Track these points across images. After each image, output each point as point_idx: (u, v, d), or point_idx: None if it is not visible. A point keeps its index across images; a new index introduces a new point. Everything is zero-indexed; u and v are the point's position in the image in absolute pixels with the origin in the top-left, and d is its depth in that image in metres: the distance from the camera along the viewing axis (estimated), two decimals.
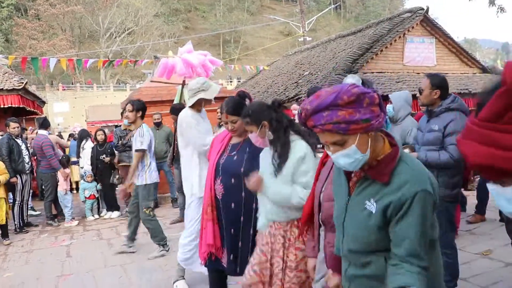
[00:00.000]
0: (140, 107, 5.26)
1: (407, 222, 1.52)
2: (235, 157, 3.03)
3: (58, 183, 7.78)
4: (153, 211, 5.41)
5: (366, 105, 1.49)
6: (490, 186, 1.15)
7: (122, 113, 8.16)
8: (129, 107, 5.27)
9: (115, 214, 8.20)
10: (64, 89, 40.76)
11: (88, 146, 8.60)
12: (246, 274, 2.72)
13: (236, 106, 3.02)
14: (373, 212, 1.58)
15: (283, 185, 2.58)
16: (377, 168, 1.58)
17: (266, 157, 2.73)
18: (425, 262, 1.54)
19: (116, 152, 8.24)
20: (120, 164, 8.18)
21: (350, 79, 1.69)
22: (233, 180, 3.01)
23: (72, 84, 43.44)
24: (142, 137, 5.16)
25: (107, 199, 8.39)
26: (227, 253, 3.11)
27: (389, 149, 1.61)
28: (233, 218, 3.03)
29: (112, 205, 8.33)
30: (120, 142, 8.01)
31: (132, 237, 5.68)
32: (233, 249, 3.07)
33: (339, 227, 1.79)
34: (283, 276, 2.59)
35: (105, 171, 8.18)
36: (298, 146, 2.58)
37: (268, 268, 2.64)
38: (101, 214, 8.30)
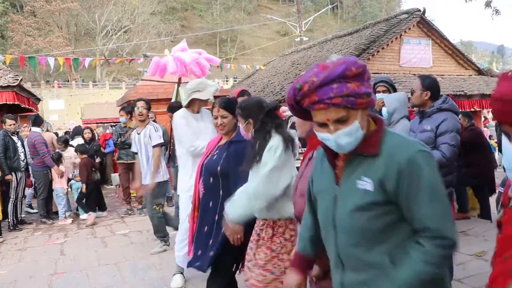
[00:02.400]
0: (150, 106, 5.45)
1: (416, 193, 1.39)
2: (215, 157, 3.08)
3: (54, 181, 7.74)
4: (163, 208, 5.40)
5: (367, 79, 1.44)
6: (506, 144, 1.12)
7: (123, 109, 8.12)
8: (143, 104, 5.31)
9: (101, 213, 8.07)
10: (60, 87, 40.60)
11: (76, 143, 8.54)
12: (246, 272, 2.77)
13: (230, 103, 3.10)
14: (370, 189, 1.44)
15: (237, 200, 2.67)
16: (364, 142, 1.47)
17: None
18: (449, 239, 1.38)
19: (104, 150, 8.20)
20: (119, 162, 8.15)
21: (335, 58, 1.68)
22: (211, 179, 3.05)
23: (68, 81, 43.28)
24: (159, 131, 5.25)
25: (91, 200, 8.16)
26: (194, 249, 3.14)
27: (374, 126, 1.53)
28: (209, 217, 3.06)
29: (99, 205, 8.17)
30: (118, 139, 7.97)
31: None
32: (202, 245, 3.08)
33: (327, 226, 1.60)
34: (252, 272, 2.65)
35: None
36: (270, 142, 2.63)
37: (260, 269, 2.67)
38: (81, 217, 8.02)
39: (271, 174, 2.54)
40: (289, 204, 2.59)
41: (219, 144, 3.19)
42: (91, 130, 8.57)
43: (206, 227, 3.08)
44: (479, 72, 13.40)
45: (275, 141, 2.62)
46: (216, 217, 3.01)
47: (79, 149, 7.94)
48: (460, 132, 3.67)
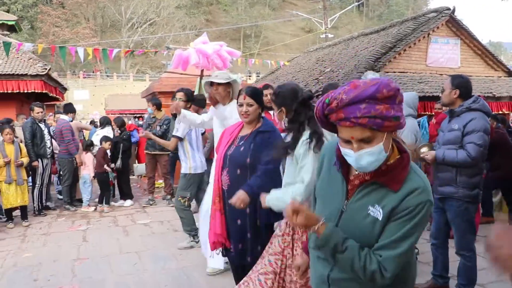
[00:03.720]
0: (190, 97, 5.38)
1: (403, 227, 1.49)
2: (242, 148, 3.02)
3: (83, 167, 7.88)
4: (189, 202, 5.32)
5: (398, 102, 1.42)
6: None
7: (150, 100, 8.28)
8: (181, 95, 5.28)
9: (128, 202, 8.23)
10: (85, 77, 41.35)
11: (104, 133, 8.62)
12: (261, 262, 2.71)
13: (257, 92, 3.06)
14: (379, 219, 1.51)
15: (276, 191, 2.64)
16: (389, 174, 1.51)
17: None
18: (385, 278, 1.51)
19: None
20: (145, 152, 8.27)
21: (371, 75, 1.65)
22: (239, 171, 3.00)
23: (93, 72, 43.97)
24: (179, 124, 5.17)
25: (121, 187, 8.43)
26: (234, 244, 3.11)
27: (397, 154, 1.55)
28: (239, 210, 2.98)
29: (126, 193, 8.37)
30: (146, 130, 8.07)
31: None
32: (241, 239, 3.06)
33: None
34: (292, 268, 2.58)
35: (122, 158, 8.24)
36: (304, 139, 2.59)
37: (280, 259, 2.62)
38: (114, 203, 8.25)
39: (312, 180, 2.46)
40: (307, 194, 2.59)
41: (242, 134, 3.12)
42: (122, 120, 8.70)
43: (238, 220, 3.04)
44: (509, 73, 13.06)
45: (304, 138, 2.59)
46: (248, 210, 2.97)
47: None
48: (490, 133, 3.59)
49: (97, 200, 8.07)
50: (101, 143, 7.84)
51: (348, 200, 1.58)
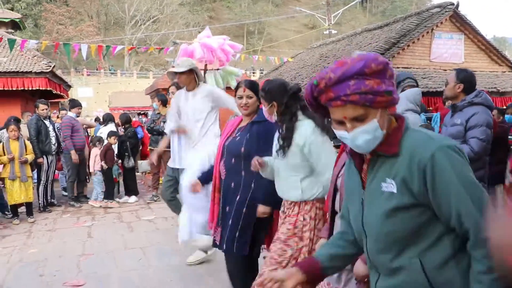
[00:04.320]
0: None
1: (442, 191, 1.30)
2: (238, 138, 3.10)
3: (95, 163, 7.90)
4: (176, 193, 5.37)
5: (389, 77, 1.36)
6: None
7: (156, 96, 8.31)
8: (175, 90, 5.43)
9: (133, 199, 8.28)
10: (89, 75, 41.39)
11: (107, 130, 8.66)
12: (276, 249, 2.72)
13: (255, 84, 3.12)
14: (394, 191, 1.37)
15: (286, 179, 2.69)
16: (385, 141, 1.41)
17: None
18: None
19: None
20: (149, 148, 8.30)
21: (358, 51, 1.62)
22: (233, 160, 3.08)
23: (97, 70, 44.06)
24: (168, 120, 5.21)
25: (126, 184, 8.49)
26: (221, 231, 3.18)
27: (395, 123, 1.45)
28: (231, 197, 3.10)
29: (131, 190, 8.43)
30: (151, 125, 8.11)
31: None
32: (224, 226, 3.13)
33: (359, 231, 1.55)
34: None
35: (128, 155, 8.29)
36: (303, 127, 2.60)
37: (286, 249, 2.65)
38: (118, 199, 8.29)
39: (330, 164, 2.47)
40: (319, 185, 2.61)
41: (240, 126, 3.19)
42: (127, 117, 8.74)
43: (227, 207, 3.12)
44: None
45: (307, 127, 2.58)
46: (238, 197, 3.04)
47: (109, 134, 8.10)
48: (493, 128, 3.59)
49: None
50: (108, 136, 7.89)
51: (365, 189, 1.50)
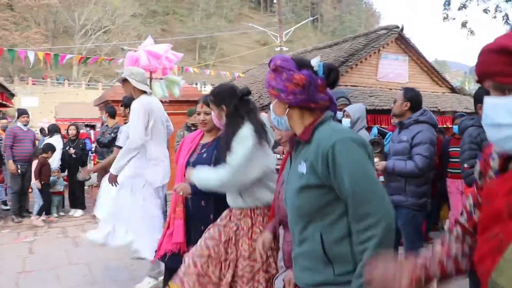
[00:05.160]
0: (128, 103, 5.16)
1: (340, 176, 1.54)
2: (205, 155, 3.04)
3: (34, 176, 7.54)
4: None
5: (284, 79, 1.67)
6: (489, 100, 1.08)
7: (104, 108, 8.10)
8: (123, 101, 5.33)
9: (78, 212, 8.01)
10: (34, 84, 39.77)
11: (53, 141, 8.37)
12: (197, 245, 2.72)
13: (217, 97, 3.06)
14: (304, 172, 1.64)
15: (206, 170, 2.70)
16: (303, 131, 1.71)
17: None
18: (376, 222, 1.49)
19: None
20: (97, 161, 8.05)
21: (315, 61, 1.70)
22: None
23: (43, 79, 42.42)
24: (121, 133, 5.07)
25: (73, 197, 8.20)
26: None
27: (313, 118, 1.73)
28: (203, 215, 3.02)
29: (78, 203, 8.15)
30: (98, 139, 7.87)
31: None
32: None
33: (286, 205, 1.83)
34: (236, 264, 2.63)
35: (75, 167, 8.03)
36: (241, 129, 2.60)
37: (220, 248, 2.66)
38: (70, 213, 8.08)
39: (241, 166, 2.50)
40: (266, 191, 2.64)
41: (203, 142, 3.13)
42: (77, 127, 8.42)
43: (202, 227, 3.01)
44: (452, 90, 13.79)
45: (246, 130, 2.58)
46: (212, 217, 2.97)
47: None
48: (436, 145, 3.79)
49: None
50: (44, 152, 7.50)
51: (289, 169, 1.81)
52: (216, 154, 2.97)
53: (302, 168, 1.65)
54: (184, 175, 3.06)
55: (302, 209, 1.66)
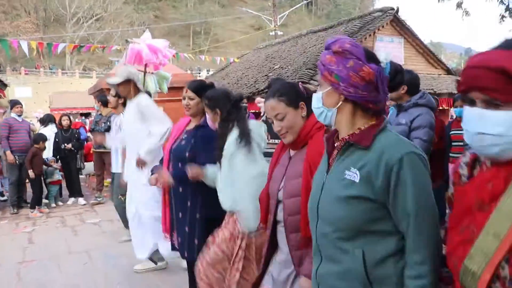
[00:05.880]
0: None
1: (402, 195, 1.37)
2: (183, 142, 3.10)
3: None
4: None
5: (349, 67, 1.45)
6: (475, 110, 1.15)
7: (96, 97, 8.04)
8: (112, 92, 5.28)
9: (81, 201, 8.03)
10: (27, 74, 39.38)
11: (47, 131, 8.34)
12: (210, 252, 2.71)
13: (200, 86, 3.11)
14: (356, 181, 1.42)
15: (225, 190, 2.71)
16: (360, 134, 1.49)
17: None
18: (426, 260, 1.35)
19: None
20: (93, 150, 8.05)
21: (384, 56, 1.59)
22: (180, 165, 3.06)
23: (36, 68, 42.01)
24: (116, 125, 5.08)
25: (71, 186, 8.20)
26: (176, 236, 3.20)
27: (373, 120, 1.53)
28: (181, 202, 3.10)
29: (77, 192, 8.16)
30: (92, 128, 7.85)
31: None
32: (179, 232, 3.14)
33: (313, 213, 1.58)
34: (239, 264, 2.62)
35: (70, 156, 8.02)
36: (229, 139, 2.67)
37: (231, 247, 2.66)
38: (68, 202, 8.10)
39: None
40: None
41: (187, 128, 3.20)
42: (69, 118, 8.39)
43: (180, 214, 3.10)
44: (448, 72, 13.77)
45: (233, 137, 2.65)
46: (189, 204, 3.03)
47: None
48: (435, 128, 3.76)
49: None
50: (35, 142, 7.45)
51: (328, 174, 1.56)
52: (193, 144, 3.02)
53: (353, 175, 1.43)
54: (168, 162, 3.15)
55: (345, 222, 1.44)
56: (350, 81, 1.45)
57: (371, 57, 1.48)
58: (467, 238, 1.15)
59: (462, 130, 1.26)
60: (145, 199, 4.07)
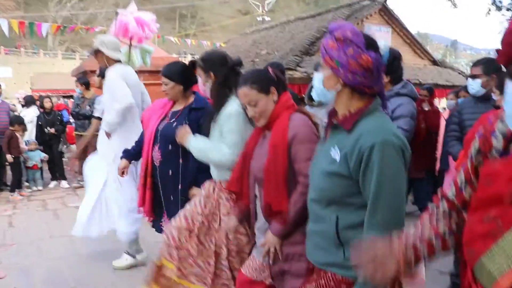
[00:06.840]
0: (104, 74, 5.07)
1: (368, 178, 1.52)
2: (174, 124, 2.98)
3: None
4: None
5: (349, 54, 1.55)
6: None
7: (78, 80, 7.87)
8: (97, 71, 5.28)
9: (63, 184, 7.92)
10: (7, 53, 38.46)
11: (30, 113, 8.17)
12: (176, 217, 2.67)
13: (172, 70, 3.02)
14: (337, 160, 1.59)
15: (205, 140, 2.59)
16: (345, 117, 1.64)
17: None
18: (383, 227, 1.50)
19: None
20: (75, 133, 7.90)
21: (383, 44, 1.59)
22: (170, 147, 2.97)
23: (16, 48, 41.04)
24: (99, 104, 4.94)
25: (54, 169, 8.07)
26: (167, 218, 3.11)
27: (361, 105, 1.63)
28: (171, 185, 3.02)
29: (60, 175, 8.05)
30: (75, 110, 7.69)
31: None
32: (171, 214, 3.03)
33: (311, 179, 1.79)
34: (222, 236, 2.53)
35: (54, 140, 7.88)
36: (230, 104, 2.52)
37: (200, 219, 2.56)
38: (50, 186, 7.99)
39: (238, 144, 2.42)
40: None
41: (173, 110, 3.09)
42: (51, 99, 8.20)
43: (171, 196, 3.04)
44: (434, 63, 13.86)
45: (235, 106, 2.48)
46: (180, 186, 2.97)
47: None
48: (416, 118, 3.76)
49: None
50: (11, 125, 7.28)
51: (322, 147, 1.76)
52: (187, 124, 2.88)
53: (335, 154, 1.61)
54: (153, 143, 3.04)
55: (325, 192, 1.66)
56: (349, 68, 1.55)
57: (370, 45, 1.58)
58: (491, 231, 1.01)
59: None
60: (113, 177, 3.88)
